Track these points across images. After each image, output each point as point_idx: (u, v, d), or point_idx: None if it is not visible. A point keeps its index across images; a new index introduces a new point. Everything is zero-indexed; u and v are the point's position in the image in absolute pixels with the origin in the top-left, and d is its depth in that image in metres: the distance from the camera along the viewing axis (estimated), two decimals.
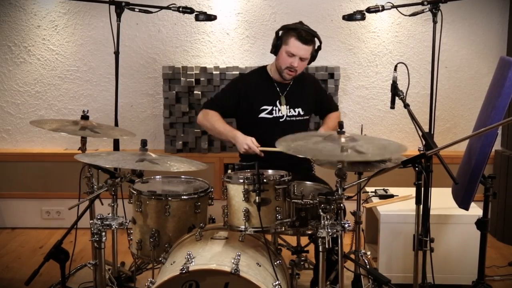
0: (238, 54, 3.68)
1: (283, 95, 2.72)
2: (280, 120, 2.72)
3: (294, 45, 2.58)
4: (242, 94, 2.74)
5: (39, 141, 3.79)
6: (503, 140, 3.64)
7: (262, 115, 2.71)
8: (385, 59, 3.69)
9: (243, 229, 2.11)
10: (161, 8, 3.01)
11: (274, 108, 2.71)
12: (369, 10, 2.91)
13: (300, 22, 2.68)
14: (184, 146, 3.67)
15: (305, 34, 2.59)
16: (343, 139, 2.04)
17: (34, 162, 3.66)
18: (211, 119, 2.69)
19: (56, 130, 2.38)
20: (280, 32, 2.64)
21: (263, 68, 2.81)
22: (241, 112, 2.77)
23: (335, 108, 2.98)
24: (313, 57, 2.68)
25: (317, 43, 2.67)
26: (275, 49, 2.65)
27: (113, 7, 2.88)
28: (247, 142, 2.54)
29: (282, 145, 2.06)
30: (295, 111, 2.74)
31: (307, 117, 2.80)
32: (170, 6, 2.98)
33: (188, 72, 3.58)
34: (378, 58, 3.69)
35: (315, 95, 2.86)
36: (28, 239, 3.55)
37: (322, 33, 3.59)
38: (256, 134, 2.70)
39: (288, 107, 2.72)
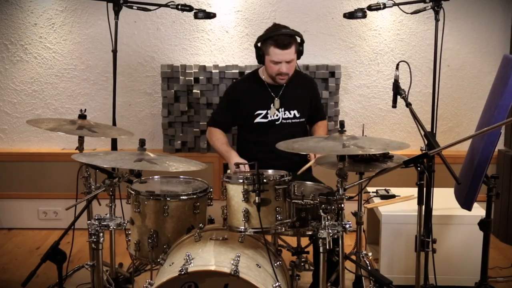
0: (238, 52, 3.66)
1: (277, 97, 2.69)
2: (276, 123, 2.70)
3: (275, 53, 2.57)
4: (235, 103, 2.75)
5: (36, 140, 3.77)
6: (506, 140, 3.63)
7: (258, 119, 2.70)
8: (386, 57, 3.67)
9: (242, 229, 2.10)
10: (160, 5, 3.00)
11: (269, 111, 2.70)
12: (370, 8, 2.90)
13: (274, 25, 2.64)
14: (183, 145, 3.65)
15: (282, 39, 2.55)
16: (344, 138, 2.04)
17: (31, 162, 3.65)
18: (213, 139, 2.78)
19: (53, 129, 2.37)
20: (259, 44, 2.63)
21: (255, 72, 2.80)
22: (238, 119, 2.78)
23: (323, 116, 2.94)
24: (300, 52, 2.64)
25: (299, 39, 2.63)
26: (260, 60, 2.66)
27: (111, 5, 2.87)
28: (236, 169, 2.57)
29: (282, 147, 2.06)
30: (290, 113, 2.71)
31: (303, 119, 2.76)
32: (169, 4, 2.97)
33: (187, 71, 3.56)
34: (379, 57, 3.68)
35: (311, 97, 2.81)
36: (24, 240, 3.53)
37: (322, 31, 3.64)
38: (254, 138, 2.74)
39: (283, 109, 2.70)
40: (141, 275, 2.76)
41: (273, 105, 2.69)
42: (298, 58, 2.67)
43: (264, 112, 2.69)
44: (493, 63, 3.61)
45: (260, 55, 2.63)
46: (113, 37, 2.87)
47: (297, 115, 2.73)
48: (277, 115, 2.69)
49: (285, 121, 2.71)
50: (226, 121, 2.80)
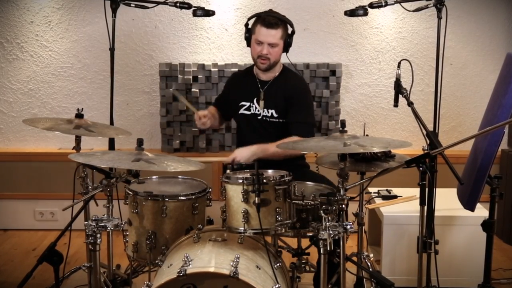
0: (237, 50, 3.64)
1: (262, 90, 2.66)
2: (258, 117, 2.67)
3: (260, 32, 2.56)
4: (228, 92, 2.80)
5: (32, 140, 3.74)
6: (510, 139, 3.61)
7: (241, 111, 2.69)
8: (388, 55, 3.66)
9: (242, 230, 2.07)
10: (158, 3, 2.97)
11: (252, 104, 2.68)
12: (371, 5, 2.87)
13: (270, 10, 2.65)
14: (181, 145, 3.63)
15: (269, 19, 2.55)
16: (345, 137, 2.04)
17: (27, 162, 3.62)
18: None
19: (49, 129, 2.34)
20: (250, 24, 2.63)
21: (252, 66, 2.78)
22: (228, 108, 2.80)
23: (299, 131, 2.51)
24: (288, 43, 2.61)
25: (289, 29, 2.62)
26: (247, 42, 2.66)
27: (108, 2, 2.85)
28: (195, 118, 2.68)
29: (281, 147, 2.04)
30: (268, 112, 2.65)
31: (282, 120, 2.63)
32: (167, 1, 2.95)
33: (185, 69, 3.54)
34: (381, 55, 3.66)
35: (288, 98, 2.61)
36: (21, 241, 3.51)
37: (323, 29, 3.62)
38: (238, 130, 2.80)
39: (263, 106, 2.65)
40: (139, 277, 2.73)
41: (257, 98, 2.66)
42: (286, 50, 2.61)
43: (247, 104, 2.67)
44: (496, 62, 3.60)
45: (248, 36, 2.64)
46: (111, 35, 2.85)
47: (275, 115, 2.64)
48: (258, 110, 2.66)
49: (265, 118, 2.66)
50: (222, 105, 2.86)
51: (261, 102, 2.64)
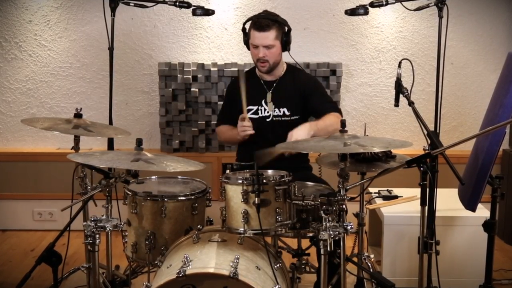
0: (237, 50, 3.62)
1: (269, 92, 2.64)
2: (267, 120, 2.65)
3: (254, 36, 2.56)
4: (232, 99, 2.74)
5: (30, 140, 3.74)
6: (511, 139, 3.60)
7: (249, 115, 2.65)
8: (389, 55, 3.65)
9: (242, 231, 2.06)
10: (157, 2, 2.97)
11: (260, 108, 2.65)
12: (372, 4, 2.87)
13: (264, 11, 2.64)
14: (180, 145, 3.62)
15: (260, 22, 2.54)
16: (345, 137, 2.03)
17: (26, 162, 3.62)
18: (223, 135, 2.83)
19: (48, 128, 2.34)
20: (246, 28, 2.62)
21: (253, 68, 2.76)
22: (235, 115, 2.73)
23: (332, 109, 2.64)
24: (285, 42, 2.59)
25: (286, 28, 2.59)
26: (247, 46, 2.65)
27: (107, 1, 2.84)
28: (239, 126, 2.55)
29: (282, 148, 2.02)
30: (280, 111, 2.64)
31: (296, 117, 2.65)
32: (167, 0, 2.94)
33: (185, 69, 3.53)
34: (381, 54, 3.65)
35: (303, 92, 2.65)
36: (19, 241, 3.50)
37: (323, 28, 3.61)
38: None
39: (273, 106, 2.64)
40: (138, 278, 2.73)
41: (265, 99, 2.64)
42: (284, 49, 2.60)
43: (254, 108, 2.65)
44: (497, 61, 3.59)
45: (246, 40, 2.63)
46: (110, 34, 2.84)
47: (287, 113, 2.64)
48: (268, 112, 2.64)
49: (276, 119, 2.64)
50: (228, 118, 2.79)
51: (270, 104, 2.63)
